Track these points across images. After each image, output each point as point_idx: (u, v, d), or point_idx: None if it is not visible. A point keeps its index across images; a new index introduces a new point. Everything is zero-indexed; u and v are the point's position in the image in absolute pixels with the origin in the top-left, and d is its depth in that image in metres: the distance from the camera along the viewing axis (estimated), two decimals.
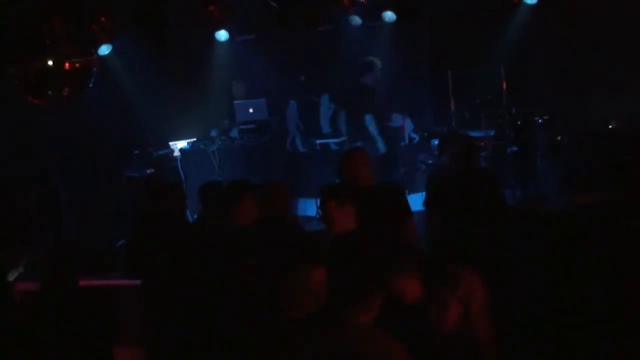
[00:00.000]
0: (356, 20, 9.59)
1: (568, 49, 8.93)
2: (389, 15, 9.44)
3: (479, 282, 2.90)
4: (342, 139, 10.31)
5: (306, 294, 2.98)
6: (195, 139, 9.11)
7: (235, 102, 9.26)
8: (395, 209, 4.50)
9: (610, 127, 8.27)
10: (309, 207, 8.96)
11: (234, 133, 9.26)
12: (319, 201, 4.58)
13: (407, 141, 9.64)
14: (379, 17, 9.52)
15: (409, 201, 4.82)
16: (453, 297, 2.88)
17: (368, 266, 2.97)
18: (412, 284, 3.26)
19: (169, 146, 9.22)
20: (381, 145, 8.43)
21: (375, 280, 2.90)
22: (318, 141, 10.26)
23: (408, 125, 9.77)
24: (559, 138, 7.85)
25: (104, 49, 8.75)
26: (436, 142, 8.67)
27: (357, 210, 4.30)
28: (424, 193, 5.85)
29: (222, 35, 9.67)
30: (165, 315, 4.92)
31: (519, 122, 8.47)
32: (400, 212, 4.52)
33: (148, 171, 8.66)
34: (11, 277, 3.77)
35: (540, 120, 8.28)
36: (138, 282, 5.14)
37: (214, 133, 9.27)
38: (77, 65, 6.58)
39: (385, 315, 2.99)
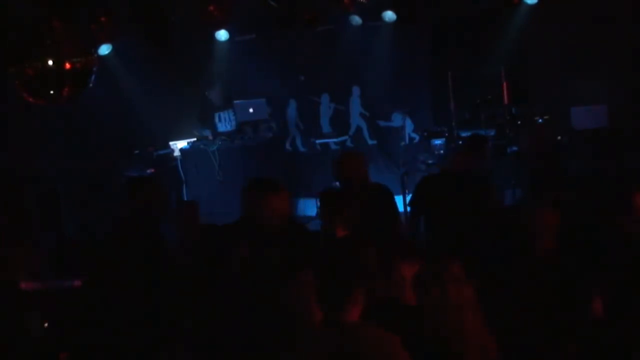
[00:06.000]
0: (356, 20, 9.59)
1: (568, 49, 8.93)
2: (389, 15, 9.44)
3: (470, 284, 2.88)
4: (343, 138, 10.32)
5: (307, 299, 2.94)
6: (195, 139, 9.11)
7: (235, 102, 9.24)
8: (387, 208, 4.63)
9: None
10: (309, 207, 8.97)
11: (226, 127, 9.19)
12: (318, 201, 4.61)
13: (407, 141, 9.64)
14: (379, 17, 9.52)
15: (396, 201, 4.98)
16: (455, 298, 2.85)
17: (348, 261, 2.94)
18: (413, 270, 3.25)
19: (169, 146, 9.20)
20: None
21: (352, 272, 2.85)
22: (318, 141, 10.26)
23: (408, 125, 9.78)
24: (559, 138, 7.84)
25: (104, 49, 8.75)
26: (436, 142, 8.69)
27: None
28: None
29: (222, 35, 9.67)
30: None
31: (519, 122, 8.47)
32: (391, 211, 4.68)
33: (148, 171, 8.64)
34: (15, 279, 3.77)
35: (540, 120, 8.27)
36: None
37: (207, 133, 9.17)
38: (77, 65, 6.56)
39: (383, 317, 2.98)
